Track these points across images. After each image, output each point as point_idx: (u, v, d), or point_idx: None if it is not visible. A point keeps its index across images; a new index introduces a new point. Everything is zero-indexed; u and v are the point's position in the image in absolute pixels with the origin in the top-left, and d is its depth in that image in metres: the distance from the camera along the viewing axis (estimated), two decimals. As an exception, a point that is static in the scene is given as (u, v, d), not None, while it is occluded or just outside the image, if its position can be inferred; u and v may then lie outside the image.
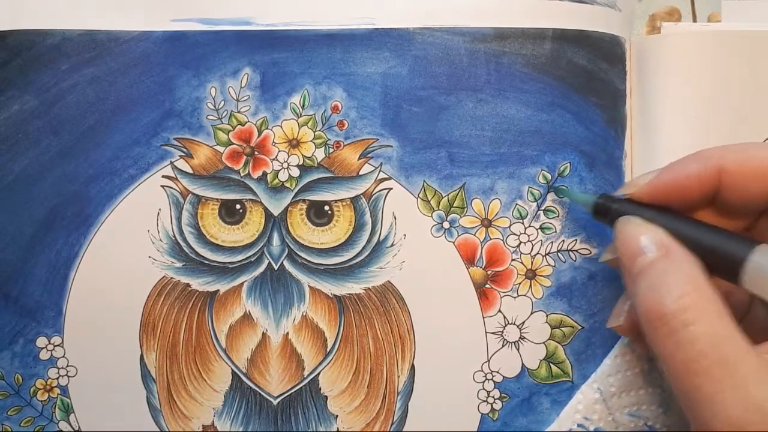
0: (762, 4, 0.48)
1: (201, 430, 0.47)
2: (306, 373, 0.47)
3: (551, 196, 0.46)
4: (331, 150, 0.47)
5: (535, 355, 0.46)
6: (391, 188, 0.47)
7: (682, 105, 0.46)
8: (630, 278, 0.38)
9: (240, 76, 0.47)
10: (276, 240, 0.47)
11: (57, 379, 0.47)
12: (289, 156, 0.47)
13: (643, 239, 0.38)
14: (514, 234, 0.46)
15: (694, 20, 0.50)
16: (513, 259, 0.46)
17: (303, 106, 0.47)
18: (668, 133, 0.46)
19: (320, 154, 0.47)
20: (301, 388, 0.47)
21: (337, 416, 0.47)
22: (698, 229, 0.38)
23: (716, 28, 0.48)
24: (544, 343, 0.46)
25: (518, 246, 0.46)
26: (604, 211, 0.42)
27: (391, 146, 0.46)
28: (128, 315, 0.46)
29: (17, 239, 0.46)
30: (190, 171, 0.47)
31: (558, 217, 0.46)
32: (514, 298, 0.46)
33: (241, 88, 0.47)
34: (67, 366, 0.47)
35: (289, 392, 0.47)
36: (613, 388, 0.45)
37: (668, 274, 0.36)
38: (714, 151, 0.39)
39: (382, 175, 0.47)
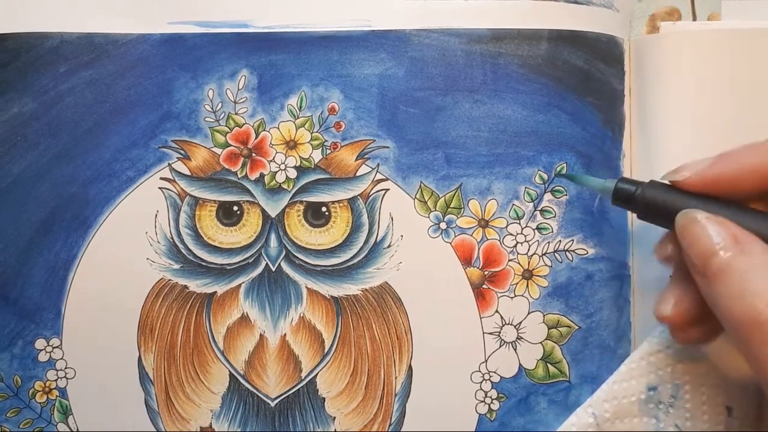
0: (762, 4, 0.48)
1: (198, 431, 0.47)
2: (303, 374, 0.47)
3: (548, 196, 0.46)
4: (328, 151, 0.47)
5: (533, 355, 0.46)
6: (388, 189, 0.47)
7: (682, 105, 0.46)
8: (704, 279, 0.36)
9: (237, 78, 0.47)
10: (273, 241, 0.47)
11: (56, 380, 0.47)
12: (286, 157, 0.47)
13: (716, 236, 0.36)
14: (511, 234, 0.46)
15: (694, 20, 0.50)
16: (510, 260, 0.46)
17: (300, 107, 0.47)
18: (667, 132, 0.46)
19: (317, 156, 0.47)
20: (298, 389, 0.47)
21: (334, 417, 0.47)
22: (739, 213, 0.37)
23: (716, 27, 0.48)
24: (541, 343, 0.46)
25: (515, 246, 0.46)
26: (626, 197, 0.40)
27: (388, 147, 0.46)
28: (126, 317, 0.47)
29: (16, 241, 0.46)
30: (188, 173, 0.47)
31: (554, 217, 0.46)
32: (511, 298, 0.46)
33: (238, 90, 0.47)
34: (66, 368, 0.47)
35: (287, 394, 0.47)
36: (608, 413, 0.44)
37: (751, 274, 0.34)
38: None
39: (379, 176, 0.47)
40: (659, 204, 0.39)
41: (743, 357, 0.34)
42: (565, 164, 0.46)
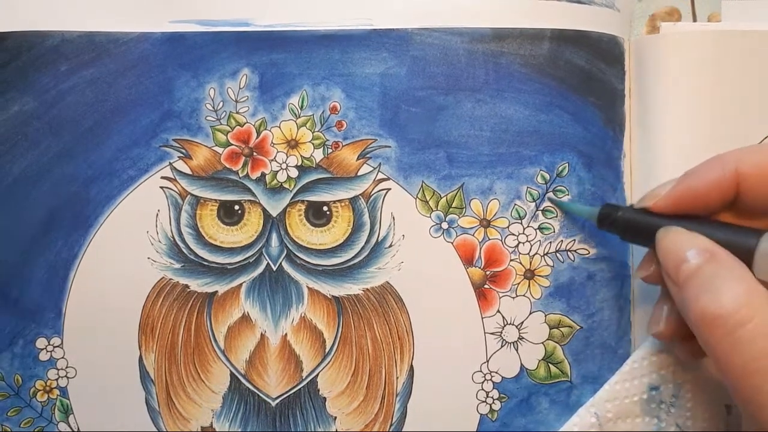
0: (762, 4, 0.48)
1: (199, 431, 0.47)
2: (305, 374, 0.47)
3: (550, 195, 0.46)
4: (330, 150, 0.47)
5: (534, 355, 0.46)
6: (390, 189, 0.47)
7: (681, 105, 0.46)
8: (676, 287, 0.37)
9: (239, 77, 0.47)
10: (275, 241, 0.47)
11: (56, 380, 0.47)
12: (287, 157, 0.47)
13: (687, 247, 0.37)
14: (513, 234, 0.46)
15: (694, 20, 0.50)
16: (511, 260, 0.46)
17: (301, 106, 0.47)
18: (667, 132, 0.46)
19: (319, 155, 0.47)
20: (299, 389, 0.47)
21: (335, 417, 0.47)
22: (710, 226, 0.38)
23: (716, 28, 0.48)
24: (542, 343, 0.46)
25: (517, 246, 0.46)
26: (610, 221, 0.42)
27: (390, 147, 0.46)
28: (127, 316, 0.47)
29: (17, 241, 0.46)
30: (189, 172, 0.47)
31: (556, 217, 0.46)
32: (513, 298, 0.46)
33: (239, 89, 0.47)
34: (67, 367, 0.47)
35: (288, 393, 0.47)
36: (610, 413, 0.44)
37: (717, 276, 0.35)
38: (730, 156, 0.39)
39: (380, 176, 0.47)
40: (638, 226, 0.41)
41: (708, 356, 0.35)
42: (567, 164, 0.46)
